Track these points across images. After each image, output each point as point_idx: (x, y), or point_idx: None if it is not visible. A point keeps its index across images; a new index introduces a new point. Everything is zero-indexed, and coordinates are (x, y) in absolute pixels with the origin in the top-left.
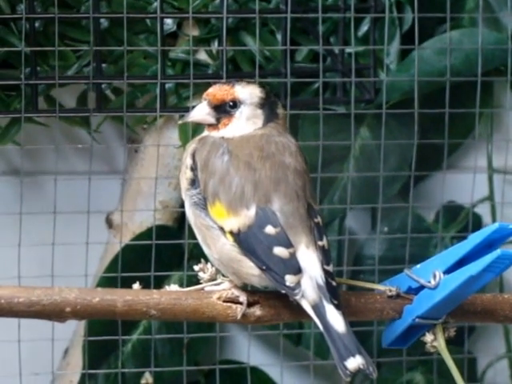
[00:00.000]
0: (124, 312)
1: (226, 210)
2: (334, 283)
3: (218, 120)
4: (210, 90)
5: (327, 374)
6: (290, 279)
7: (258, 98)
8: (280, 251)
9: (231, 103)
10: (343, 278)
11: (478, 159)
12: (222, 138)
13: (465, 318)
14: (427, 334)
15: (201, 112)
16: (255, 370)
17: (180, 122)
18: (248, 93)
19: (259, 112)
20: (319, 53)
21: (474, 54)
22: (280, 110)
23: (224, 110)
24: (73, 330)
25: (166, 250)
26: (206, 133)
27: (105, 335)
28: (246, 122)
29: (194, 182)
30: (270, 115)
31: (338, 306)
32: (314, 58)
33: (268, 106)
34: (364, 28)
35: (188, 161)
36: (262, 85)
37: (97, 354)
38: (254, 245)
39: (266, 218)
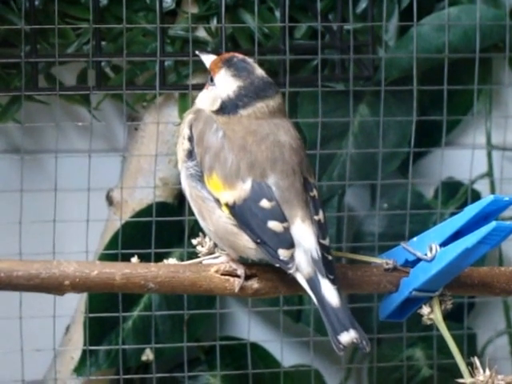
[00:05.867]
0: (122, 285)
1: (222, 183)
2: (329, 257)
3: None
4: (224, 55)
5: (327, 351)
6: (283, 253)
7: None
8: (274, 225)
9: (211, 77)
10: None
11: (476, 136)
12: (213, 115)
13: (462, 290)
14: (424, 306)
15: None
16: (255, 347)
17: (198, 51)
18: None
19: None
20: (318, 30)
21: (472, 30)
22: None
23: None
24: (74, 307)
25: (166, 227)
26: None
27: (105, 312)
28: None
29: (191, 154)
30: None
31: (333, 281)
32: (312, 34)
33: None
34: (362, 5)
35: (186, 131)
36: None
37: (98, 330)
38: (249, 218)
39: (262, 192)
